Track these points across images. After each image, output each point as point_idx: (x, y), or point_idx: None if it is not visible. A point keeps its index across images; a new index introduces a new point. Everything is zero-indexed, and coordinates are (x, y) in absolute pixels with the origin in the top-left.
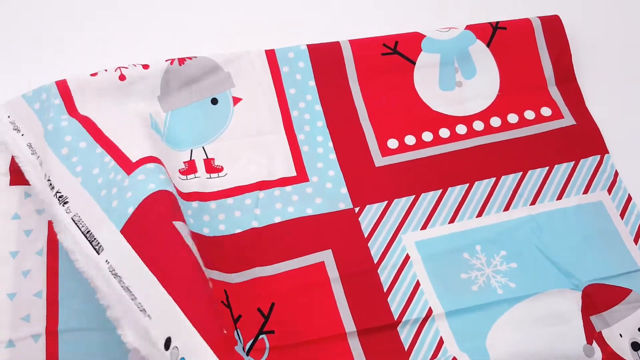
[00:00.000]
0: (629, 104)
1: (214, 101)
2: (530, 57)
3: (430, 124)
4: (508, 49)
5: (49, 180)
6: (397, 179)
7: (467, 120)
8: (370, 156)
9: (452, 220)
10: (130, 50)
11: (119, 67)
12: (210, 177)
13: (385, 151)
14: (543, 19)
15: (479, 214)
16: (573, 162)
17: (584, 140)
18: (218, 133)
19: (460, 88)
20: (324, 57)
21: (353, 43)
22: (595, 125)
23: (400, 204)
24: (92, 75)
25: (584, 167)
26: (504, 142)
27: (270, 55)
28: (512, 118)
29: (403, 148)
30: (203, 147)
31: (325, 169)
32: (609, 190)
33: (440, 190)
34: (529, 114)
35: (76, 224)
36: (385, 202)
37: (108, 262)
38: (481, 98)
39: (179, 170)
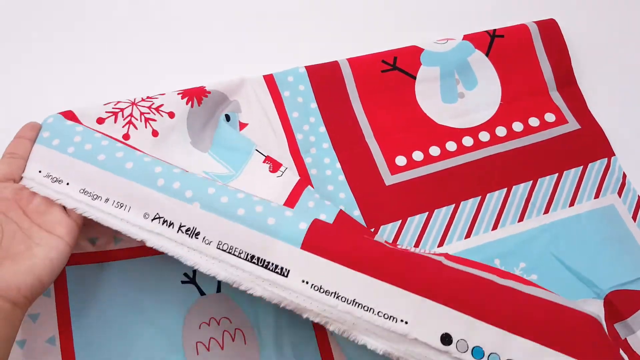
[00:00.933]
0: (630, 105)
1: (227, 118)
2: (530, 63)
3: (436, 138)
4: (507, 56)
5: (157, 217)
6: (408, 196)
7: (473, 131)
8: (379, 175)
9: (468, 235)
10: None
11: (145, 118)
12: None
13: (394, 169)
14: (539, 24)
15: (494, 227)
16: (581, 166)
17: (590, 143)
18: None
19: (463, 99)
20: (323, 78)
21: (352, 61)
22: (600, 128)
23: (415, 222)
24: (124, 137)
25: (593, 170)
26: (511, 152)
27: (270, 80)
28: (517, 126)
29: (411, 164)
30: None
31: (336, 192)
32: (619, 193)
33: (453, 205)
34: (534, 121)
35: (228, 252)
36: (400, 221)
37: (307, 282)
38: (484, 108)
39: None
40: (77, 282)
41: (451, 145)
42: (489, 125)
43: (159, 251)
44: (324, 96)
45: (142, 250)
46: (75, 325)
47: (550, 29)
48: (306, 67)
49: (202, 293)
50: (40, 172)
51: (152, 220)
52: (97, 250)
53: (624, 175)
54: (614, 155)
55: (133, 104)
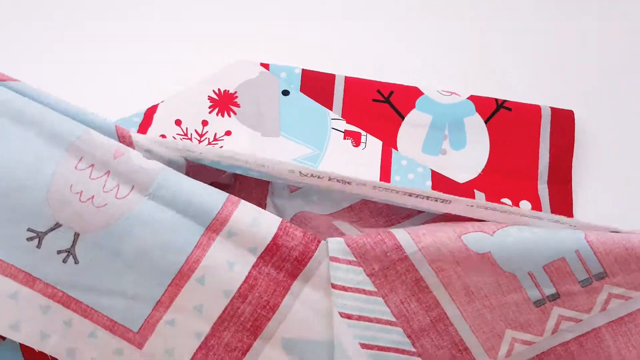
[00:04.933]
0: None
1: (285, 93)
2: (529, 146)
3: None
4: (507, 131)
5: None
6: None
7: None
8: None
9: None
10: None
11: None
12: None
13: None
14: (555, 111)
15: None
16: None
17: None
18: None
19: (444, 156)
20: (314, 86)
21: (348, 80)
22: None
23: None
24: None
25: None
26: None
27: (265, 68)
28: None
29: None
30: None
31: None
32: None
33: None
34: (506, 202)
35: None
36: None
37: None
38: (462, 171)
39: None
40: None
41: None
42: None
43: None
44: None
45: None
46: None
47: (563, 120)
48: (303, 69)
49: None
50: None
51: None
52: None
53: None
54: None
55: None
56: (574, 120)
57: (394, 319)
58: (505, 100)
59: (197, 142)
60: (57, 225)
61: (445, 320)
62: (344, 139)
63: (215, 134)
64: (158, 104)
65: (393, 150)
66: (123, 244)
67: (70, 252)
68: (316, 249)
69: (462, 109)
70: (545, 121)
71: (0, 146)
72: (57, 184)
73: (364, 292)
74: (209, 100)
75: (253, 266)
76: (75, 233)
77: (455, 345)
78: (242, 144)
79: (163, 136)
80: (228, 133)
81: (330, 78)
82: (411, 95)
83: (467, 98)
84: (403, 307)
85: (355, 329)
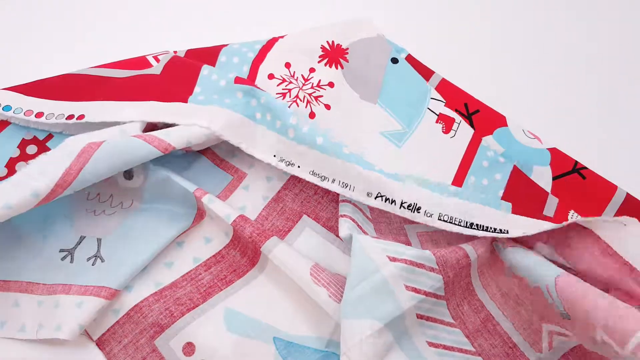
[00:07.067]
0: None
1: (394, 60)
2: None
3: None
4: (571, 196)
5: (379, 196)
6: None
7: None
8: None
9: None
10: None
11: (315, 97)
12: None
13: None
14: (629, 198)
15: None
16: None
17: None
18: None
19: None
20: None
21: (443, 82)
22: None
23: None
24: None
25: None
26: None
27: None
28: None
29: None
30: None
31: None
32: None
33: None
34: None
35: (449, 222)
36: None
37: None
38: None
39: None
40: None
41: None
42: None
43: None
44: None
45: None
46: None
47: (633, 210)
48: (408, 54)
49: None
50: (274, 156)
51: (375, 198)
52: None
53: None
54: None
55: (300, 89)
56: None
57: (452, 321)
58: (584, 167)
59: (302, 84)
60: (82, 238)
61: (492, 320)
62: (436, 122)
63: (320, 81)
64: (277, 39)
65: (481, 144)
66: (131, 229)
67: (97, 255)
68: (262, 244)
69: (537, 156)
70: (615, 204)
71: None
72: (75, 214)
73: (435, 296)
74: (320, 50)
75: (225, 247)
76: (97, 239)
77: (506, 343)
78: (342, 104)
79: (270, 76)
80: (331, 84)
81: (428, 73)
82: (495, 121)
83: (548, 149)
84: (459, 310)
85: (424, 327)
